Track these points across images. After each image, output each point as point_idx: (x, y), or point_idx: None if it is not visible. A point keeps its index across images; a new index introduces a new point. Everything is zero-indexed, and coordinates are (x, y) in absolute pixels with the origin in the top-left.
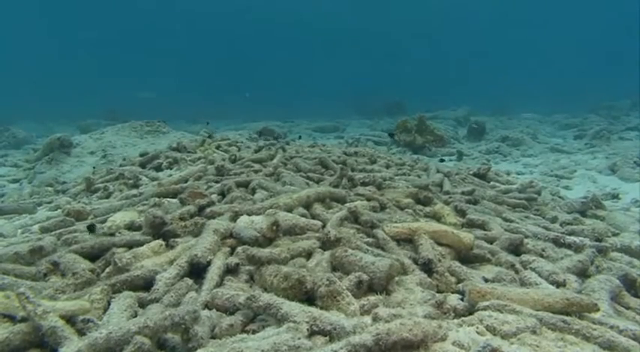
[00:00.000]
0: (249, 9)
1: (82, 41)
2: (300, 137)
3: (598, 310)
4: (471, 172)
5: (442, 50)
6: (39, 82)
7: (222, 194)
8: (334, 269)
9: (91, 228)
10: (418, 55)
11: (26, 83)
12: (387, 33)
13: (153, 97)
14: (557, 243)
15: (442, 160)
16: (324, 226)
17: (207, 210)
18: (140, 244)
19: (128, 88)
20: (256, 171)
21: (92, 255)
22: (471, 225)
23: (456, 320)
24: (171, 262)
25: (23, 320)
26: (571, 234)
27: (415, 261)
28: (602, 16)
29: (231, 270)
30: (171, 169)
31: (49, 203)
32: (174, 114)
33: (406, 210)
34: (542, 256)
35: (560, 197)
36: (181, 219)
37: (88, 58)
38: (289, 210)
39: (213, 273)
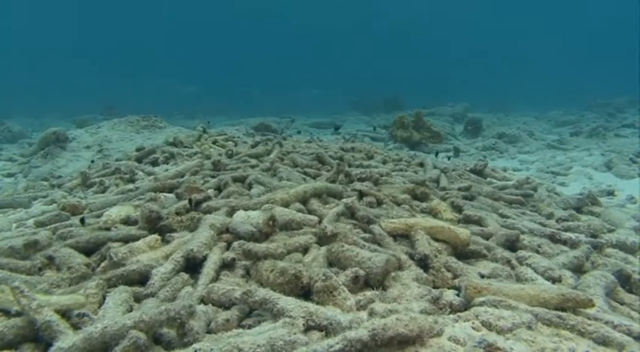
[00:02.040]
0: (246, 5)
1: (80, 40)
2: (299, 132)
3: (593, 306)
4: (468, 168)
5: (441, 47)
6: (39, 78)
7: (219, 189)
8: (330, 264)
9: (81, 221)
10: (417, 51)
11: (24, 79)
12: (386, 29)
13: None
14: (553, 239)
15: (437, 153)
16: (320, 221)
17: (204, 204)
18: (136, 239)
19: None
20: (253, 166)
21: (88, 250)
22: (467, 220)
23: (452, 316)
24: (167, 257)
25: (18, 314)
26: (567, 230)
27: (411, 257)
28: (602, 13)
29: (227, 265)
30: (167, 164)
31: (45, 197)
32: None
33: (403, 205)
34: (538, 252)
35: (556, 193)
36: (177, 213)
37: (86, 57)
38: (286, 205)
39: (209, 268)
